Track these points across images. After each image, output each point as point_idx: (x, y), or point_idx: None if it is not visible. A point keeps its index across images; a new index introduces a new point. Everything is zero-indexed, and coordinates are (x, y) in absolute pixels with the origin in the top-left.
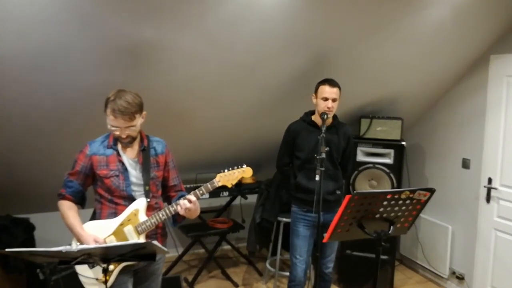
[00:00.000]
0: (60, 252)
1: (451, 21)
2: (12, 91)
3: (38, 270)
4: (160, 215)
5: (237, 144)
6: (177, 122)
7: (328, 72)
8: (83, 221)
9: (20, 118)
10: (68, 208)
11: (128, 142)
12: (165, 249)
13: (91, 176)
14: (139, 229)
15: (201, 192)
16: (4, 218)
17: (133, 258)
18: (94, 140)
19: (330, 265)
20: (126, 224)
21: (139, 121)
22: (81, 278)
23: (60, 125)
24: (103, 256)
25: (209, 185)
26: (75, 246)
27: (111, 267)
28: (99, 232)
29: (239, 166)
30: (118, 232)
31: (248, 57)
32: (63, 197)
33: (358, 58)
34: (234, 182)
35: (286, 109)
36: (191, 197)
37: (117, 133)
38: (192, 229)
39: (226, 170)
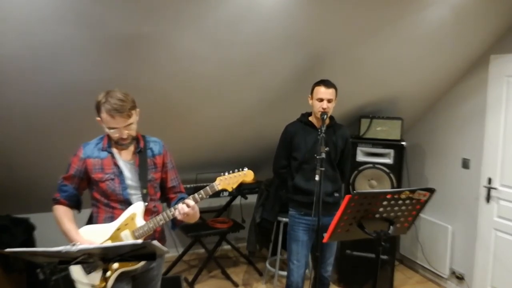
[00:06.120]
0: (60, 252)
1: (451, 21)
2: (12, 91)
3: (38, 270)
4: (158, 220)
5: (237, 143)
6: (176, 122)
7: (329, 72)
8: (81, 224)
9: (20, 117)
10: (63, 213)
11: (129, 143)
12: (165, 248)
13: (86, 180)
14: (137, 234)
15: (200, 196)
16: (4, 218)
17: (133, 258)
18: (88, 143)
19: (329, 269)
20: (123, 229)
21: (135, 118)
22: (78, 285)
23: (60, 124)
24: (103, 256)
25: (208, 189)
26: (74, 247)
27: (108, 273)
28: (95, 237)
29: (240, 169)
30: (115, 237)
31: (249, 56)
32: (58, 202)
33: (358, 58)
34: (234, 186)
35: (286, 109)
36: (190, 201)
37: (117, 135)
38: (192, 229)
39: (226, 173)
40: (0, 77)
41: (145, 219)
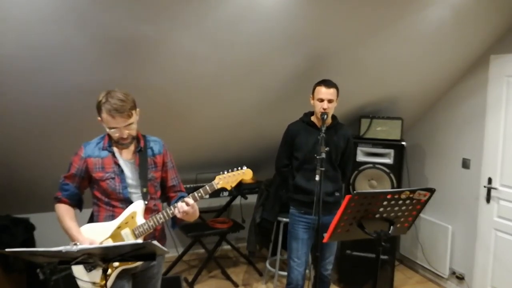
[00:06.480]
0: (60, 252)
1: (451, 21)
2: (12, 91)
3: (38, 270)
4: (158, 218)
5: (237, 143)
6: (177, 122)
7: (329, 72)
8: (82, 223)
9: (20, 117)
10: (64, 212)
11: (129, 142)
12: (165, 249)
13: (87, 179)
14: (136, 232)
15: (199, 194)
16: (4, 218)
17: (133, 258)
18: (89, 142)
19: (329, 267)
20: (123, 227)
21: (136, 118)
22: (79, 282)
23: (60, 124)
24: (103, 256)
25: (208, 188)
26: (74, 247)
27: (108, 271)
28: (96, 235)
29: (239, 168)
30: (115, 235)
31: (249, 56)
32: (59, 201)
33: (358, 58)
34: (233, 185)
35: (286, 109)
36: (189, 200)
37: (117, 134)
38: (192, 229)
39: (225, 172)
40: (0, 77)
41: (145, 218)
